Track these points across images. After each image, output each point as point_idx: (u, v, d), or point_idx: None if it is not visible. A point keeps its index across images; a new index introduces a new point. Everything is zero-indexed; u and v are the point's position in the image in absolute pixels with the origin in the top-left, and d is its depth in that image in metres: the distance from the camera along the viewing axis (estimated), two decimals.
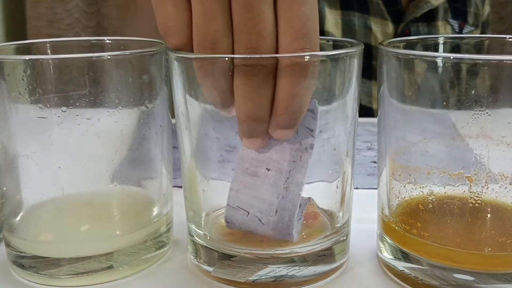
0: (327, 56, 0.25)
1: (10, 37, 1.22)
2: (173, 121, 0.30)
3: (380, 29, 0.75)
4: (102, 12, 1.17)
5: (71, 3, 1.17)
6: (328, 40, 0.29)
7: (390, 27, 0.75)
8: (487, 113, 0.24)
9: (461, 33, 0.80)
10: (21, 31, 1.20)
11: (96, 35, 1.19)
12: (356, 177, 0.31)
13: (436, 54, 0.24)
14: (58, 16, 1.17)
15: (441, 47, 0.30)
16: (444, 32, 0.78)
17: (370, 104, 0.75)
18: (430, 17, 0.77)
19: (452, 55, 0.23)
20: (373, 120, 0.30)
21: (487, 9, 0.86)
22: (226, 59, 0.24)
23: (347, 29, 0.73)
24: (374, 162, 0.44)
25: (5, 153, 0.28)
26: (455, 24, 0.79)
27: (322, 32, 0.72)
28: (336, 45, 0.29)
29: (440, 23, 0.78)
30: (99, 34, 1.19)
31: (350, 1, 0.74)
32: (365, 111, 0.75)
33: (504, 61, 0.23)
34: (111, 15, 1.17)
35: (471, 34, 0.82)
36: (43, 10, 1.17)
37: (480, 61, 0.23)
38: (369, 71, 0.74)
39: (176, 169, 0.32)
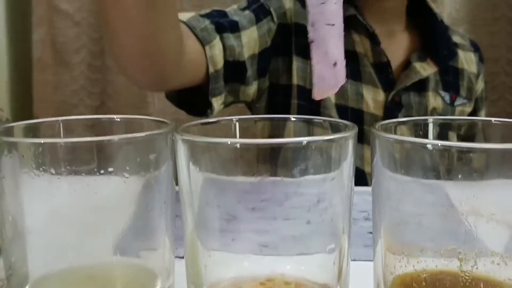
0: (325, 140, 0.27)
1: (16, 102, 1.25)
2: (177, 188, 0.31)
3: (371, 96, 0.77)
4: (106, 78, 1.21)
5: (77, 70, 1.21)
6: (324, 121, 0.31)
7: (381, 95, 0.78)
8: (474, 195, 0.26)
9: (453, 105, 0.82)
10: (27, 96, 1.23)
11: (100, 101, 1.22)
12: (353, 248, 0.32)
13: (425, 141, 0.26)
14: (63, 82, 1.21)
15: (430, 128, 0.32)
16: (434, 103, 0.80)
17: (362, 167, 0.76)
18: (420, 87, 0.80)
19: (440, 142, 0.25)
20: (370, 189, 0.31)
21: (481, 84, 0.88)
22: None
23: (340, 94, 0.76)
24: (371, 233, 0.45)
25: (14, 226, 0.29)
26: (446, 96, 0.81)
27: None
28: (332, 126, 0.31)
29: (430, 94, 0.80)
30: (103, 101, 1.22)
31: None
32: (358, 173, 0.76)
33: (491, 149, 0.24)
34: (115, 82, 1.20)
35: (463, 107, 0.83)
36: (50, 77, 1.20)
37: (468, 149, 0.25)
38: (361, 135, 0.76)
39: (178, 238, 0.32)
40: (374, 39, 0.77)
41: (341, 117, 0.75)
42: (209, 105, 0.68)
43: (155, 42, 0.53)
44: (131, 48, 0.53)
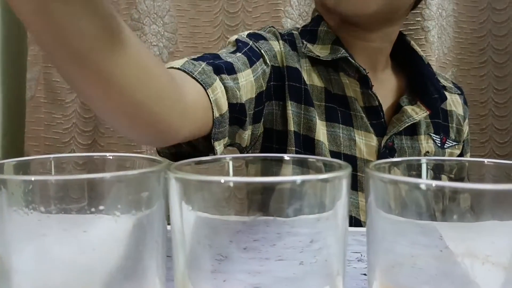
0: (318, 179, 0.27)
1: (7, 140, 1.25)
2: (169, 227, 0.30)
3: (364, 141, 0.76)
4: (99, 117, 1.21)
5: (69, 109, 1.21)
6: (317, 160, 0.31)
7: (374, 140, 0.76)
8: (470, 235, 0.26)
9: (443, 148, 0.82)
10: (19, 134, 1.23)
11: (92, 139, 1.22)
12: None
13: (419, 180, 0.26)
14: (56, 120, 1.21)
15: (424, 168, 0.32)
16: (426, 146, 0.80)
17: (358, 216, 0.74)
18: (412, 131, 0.79)
19: (434, 182, 0.25)
20: (363, 229, 0.31)
21: (466, 128, 0.88)
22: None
23: (333, 140, 0.74)
24: (365, 274, 0.44)
25: (1, 265, 0.28)
26: (437, 139, 0.81)
27: (313, 140, 0.73)
28: (326, 165, 0.31)
29: (423, 137, 0.80)
30: (95, 139, 1.22)
31: (335, 114, 0.75)
32: (355, 222, 0.74)
33: (485, 189, 0.24)
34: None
35: (452, 149, 0.83)
36: (42, 115, 1.21)
37: (462, 189, 0.25)
38: (355, 183, 0.74)
39: (169, 280, 0.32)
40: (365, 82, 0.76)
41: None
42: (211, 150, 0.63)
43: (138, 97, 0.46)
44: (121, 118, 0.48)
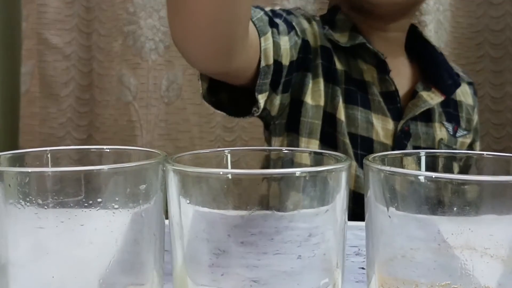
0: (318, 171, 0.27)
1: (3, 134, 1.24)
2: (167, 221, 0.30)
3: (381, 125, 0.78)
4: (94, 112, 1.20)
5: (65, 103, 1.20)
6: (316, 153, 0.31)
7: (391, 124, 0.78)
8: (469, 228, 0.25)
9: (455, 137, 0.83)
10: (13, 129, 1.23)
11: (88, 134, 1.21)
12: (345, 284, 0.31)
13: (417, 172, 0.26)
14: (51, 115, 1.20)
15: (423, 161, 0.32)
16: (439, 134, 0.81)
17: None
18: (427, 118, 0.81)
19: (433, 174, 0.25)
20: (361, 224, 0.31)
21: (475, 117, 0.90)
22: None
23: (351, 121, 0.76)
24: (363, 268, 0.44)
25: None
26: (450, 127, 0.83)
27: (335, 117, 0.75)
28: (325, 158, 0.31)
29: (436, 125, 0.82)
30: (91, 134, 1.21)
31: (354, 96, 0.78)
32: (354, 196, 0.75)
33: (485, 181, 0.24)
34: (103, 115, 1.20)
35: (464, 138, 0.84)
36: (37, 110, 1.20)
37: (461, 181, 0.24)
38: None
39: (167, 274, 0.32)
40: (382, 68, 0.78)
41: (352, 145, 0.75)
42: (255, 103, 0.66)
43: (231, 15, 0.52)
44: (205, 27, 0.53)
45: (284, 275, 0.28)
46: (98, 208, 0.27)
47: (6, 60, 1.25)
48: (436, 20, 1.15)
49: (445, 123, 0.83)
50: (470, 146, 0.87)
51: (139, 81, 1.18)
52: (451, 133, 0.83)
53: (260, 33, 0.64)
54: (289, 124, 0.77)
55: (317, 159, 0.31)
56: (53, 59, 1.20)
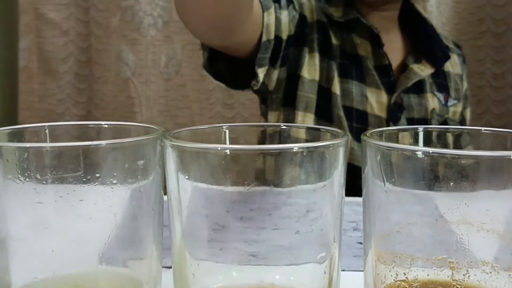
0: (315, 147, 0.27)
1: (1, 109, 1.24)
2: (165, 197, 0.30)
3: (375, 98, 0.79)
4: (93, 88, 1.20)
5: (63, 79, 1.20)
6: (313, 128, 0.31)
7: (384, 97, 0.80)
8: (465, 203, 0.26)
9: (447, 106, 0.84)
10: (12, 105, 1.22)
11: (87, 111, 1.21)
12: (343, 258, 0.32)
13: (415, 147, 0.26)
14: (50, 91, 1.20)
15: (420, 136, 0.32)
16: (432, 103, 0.83)
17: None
18: (419, 89, 0.82)
19: (431, 149, 0.25)
20: (359, 199, 0.31)
21: (465, 84, 0.92)
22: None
23: (346, 95, 0.78)
24: (360, 243, 0.45)
25: None
26: (441, 97, 0.84)
27: (330, 91, 0.77)
28: (323, 133, 0.31)
29: (428, 95, 0.83)
30: (90, 110, 1.21)
31: (349, 70, 0.79)
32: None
33: (481, 156, 0.24)
34: (102, 91, 1.19)
35: (455, 107, 0.86)
36: (36, 86, 1.19)
37: (458, 156, 0.24)
38: None
39: (166, 248, 0.32)
40: (376, 42, 0.79)
41: (347, 118, 0.77)
42: (254, 76, 0.68)
43: None
44: (210, 6, 0.54)
45: (282, 250, 0.29)
46: (97, 183, 0.27)
47: (3, 36, 1.24)
48: None
49: (437, 93, 0.84)
50: (461, 114, 0.88)
51: (137, 57, 1.17)
52: (443, 102, 0.84)
53: (264, 8, 0.65)
54: (286, 98, 0.78)
55: (315, 134, 0.31)
56: (51, 35, 1.19)
